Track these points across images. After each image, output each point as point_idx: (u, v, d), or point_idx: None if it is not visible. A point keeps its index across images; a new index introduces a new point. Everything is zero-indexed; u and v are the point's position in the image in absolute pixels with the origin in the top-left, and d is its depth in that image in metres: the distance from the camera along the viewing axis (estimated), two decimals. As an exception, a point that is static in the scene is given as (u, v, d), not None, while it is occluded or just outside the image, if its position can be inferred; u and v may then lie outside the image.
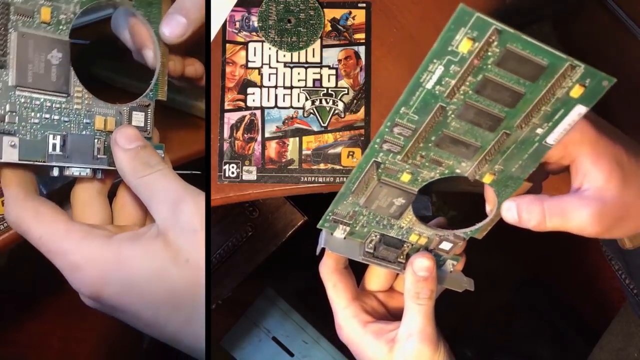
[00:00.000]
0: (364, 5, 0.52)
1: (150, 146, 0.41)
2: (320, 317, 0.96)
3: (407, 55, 0.51)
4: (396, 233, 0.44)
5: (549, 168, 0.41)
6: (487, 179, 0.39)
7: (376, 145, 0.38)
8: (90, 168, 0.41)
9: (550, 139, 0.37)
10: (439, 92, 0.35)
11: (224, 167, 0.52)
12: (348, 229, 0.43)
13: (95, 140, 0.42)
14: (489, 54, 0.33)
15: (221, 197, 0.52)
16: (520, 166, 0.39)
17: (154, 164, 0.39)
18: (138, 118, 0.45)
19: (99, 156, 0.42)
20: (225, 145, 0.52)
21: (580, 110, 0.36)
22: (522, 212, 0.39)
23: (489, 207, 0.42)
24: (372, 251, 0.44)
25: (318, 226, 0.43)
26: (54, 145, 0.40)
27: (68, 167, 0.40)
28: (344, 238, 0.43)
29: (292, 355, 0.92)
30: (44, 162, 0.40)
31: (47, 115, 0.40)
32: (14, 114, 0.38)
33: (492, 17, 0.33)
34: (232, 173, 0.52)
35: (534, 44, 0.33)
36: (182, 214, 0.36)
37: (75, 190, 0.43)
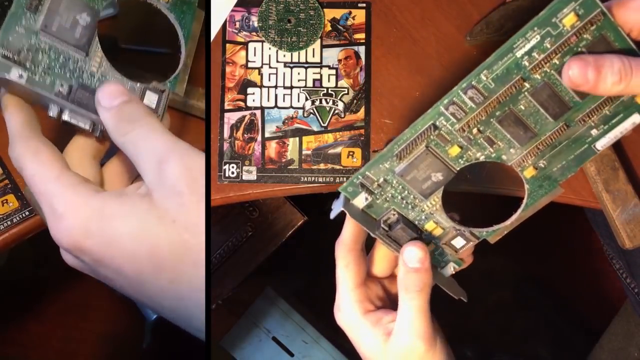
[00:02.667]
0: (364, 5, 0.52)
1: (135, 99, 0.39)
2: (320, 317, 0.96)
3: (407, 55, 0.51)
4: (415, 216, 0.42)
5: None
6: (528, 173, 0.40)
7: (442, 107, 0.37)
8: (90, 119, 0.40)
9: (599, 144, 0.38)
10: (525, 64, 0.35)
11: (224, 167, 0.52)
12: (370, 199, 0.41)
13: None
14: (585, 36, 0.34)
15: (221, 197, 0.52)
16: (562, 167, 0.39)
17: (138, 118, 0.37)
18: (150, 98, 0.43)
19: None
20: (225, 145, 0.52)
21: (636, 119, 0.37)
22: (604, 67, 0.34)
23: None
24: (387, 229, 0.42)
25: (339, 189, 0.41)
26: (60, 91, 0.40)
27: (69, 110, 0.40)
28: (362, 209, 0.42)
29: (292, 355, 0.92)
30: (45, 95, 0.39)
31: (62, 67, 0.40)
32: (29, 53, 0.39)
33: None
34: (232, 173, 0.52)
35: (625, 39, 0.34)
36: (166, 176, 0.34)
37: (68, 149, 0.41)
